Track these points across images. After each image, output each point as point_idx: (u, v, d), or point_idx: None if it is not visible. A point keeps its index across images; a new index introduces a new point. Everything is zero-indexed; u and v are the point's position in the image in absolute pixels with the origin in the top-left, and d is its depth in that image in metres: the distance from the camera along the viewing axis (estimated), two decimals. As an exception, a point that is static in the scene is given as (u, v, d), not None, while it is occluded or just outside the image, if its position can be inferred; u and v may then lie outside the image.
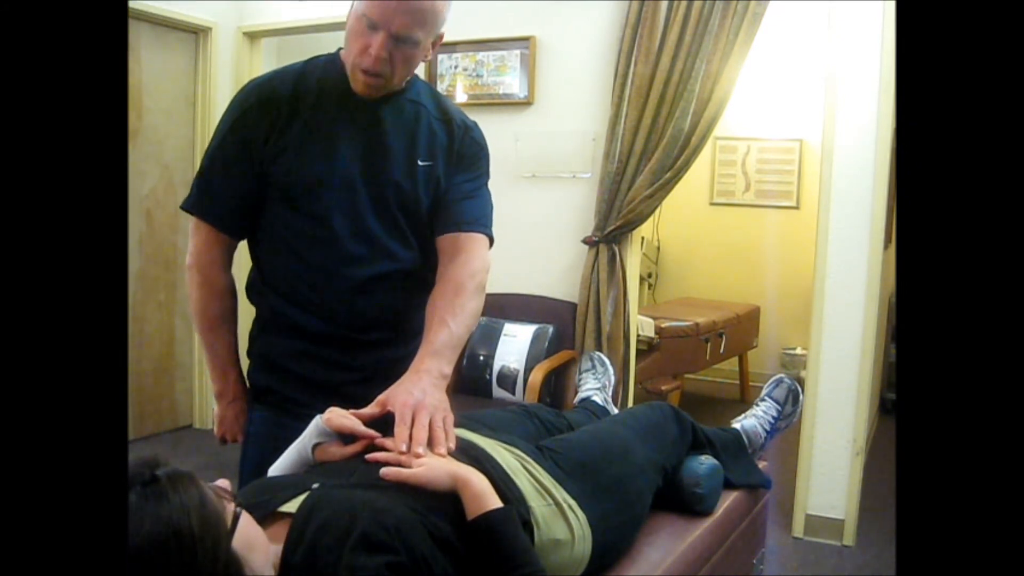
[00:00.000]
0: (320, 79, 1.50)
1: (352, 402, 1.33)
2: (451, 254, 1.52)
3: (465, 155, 1.58)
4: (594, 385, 2.03)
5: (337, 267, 1.50)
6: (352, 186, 1.48)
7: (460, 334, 1.44)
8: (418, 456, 1.18)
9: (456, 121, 1.58)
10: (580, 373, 2.12)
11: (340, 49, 1.53)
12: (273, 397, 1.57)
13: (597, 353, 2.16)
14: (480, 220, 1.57)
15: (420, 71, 3.97)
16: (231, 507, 0.94)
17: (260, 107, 1.47)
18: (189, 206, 1.54)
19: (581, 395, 2.03)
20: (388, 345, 1.57)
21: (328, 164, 1.48)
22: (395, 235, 1.53)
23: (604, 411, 1.95)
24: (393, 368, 1.49)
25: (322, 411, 1.29)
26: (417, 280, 1.57)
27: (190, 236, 1.54)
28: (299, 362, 1.54)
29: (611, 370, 2.09)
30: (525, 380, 3.08)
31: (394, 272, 1.53)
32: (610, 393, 2.05)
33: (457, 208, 1.55)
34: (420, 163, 1.53)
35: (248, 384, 1.63)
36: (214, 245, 1.53)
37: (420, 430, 1.22)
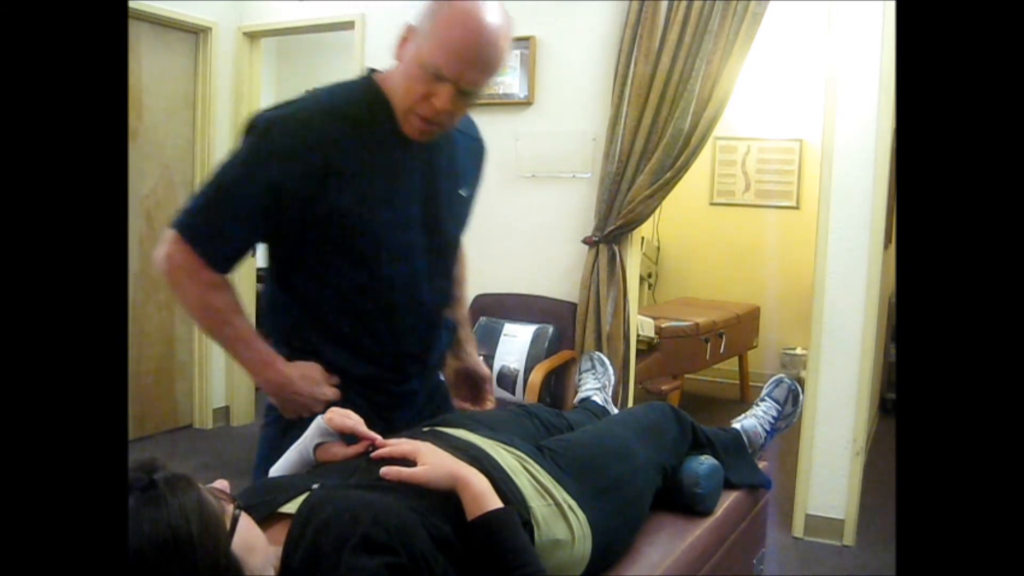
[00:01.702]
0: (366, 120, 1.40)
1: (374, 423, 1.37)
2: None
3: (482, 165, 1.65)
4: (594, 385, 2.03)
5: (393, 313, 1.48)
6: (409, 231, 1.46)
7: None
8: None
9: (476, 137, 1.63)
10: (580, 373, 2.12)
11: (372, 71, 1.46)
12: None
13: (597, 353, 2.15)
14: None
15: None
16: (230, 509, 0.93)
17: (297, 154, 1.34)
18: (183, 231, 1.36)
19: (581, 395, 2.03)
20: (415, 377, 1.59)
21: (388, 213, 1.42)
22: (442, 271, 1.56)
23: (604, 411, 1.95)
24: (413, 396, 1.59)
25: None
26: (448, 306, 1.64)
27: (168, 245, 1.36)
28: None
29: (611, 370, 2.09)
30: (525, 380, 3.08)
31: (439, 306, 1.59)
32: (610, 393, 2.05)
33: (468, 217, 1.65)
34: (460, 193, 1.56)
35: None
36: (199, 263, 1.37)
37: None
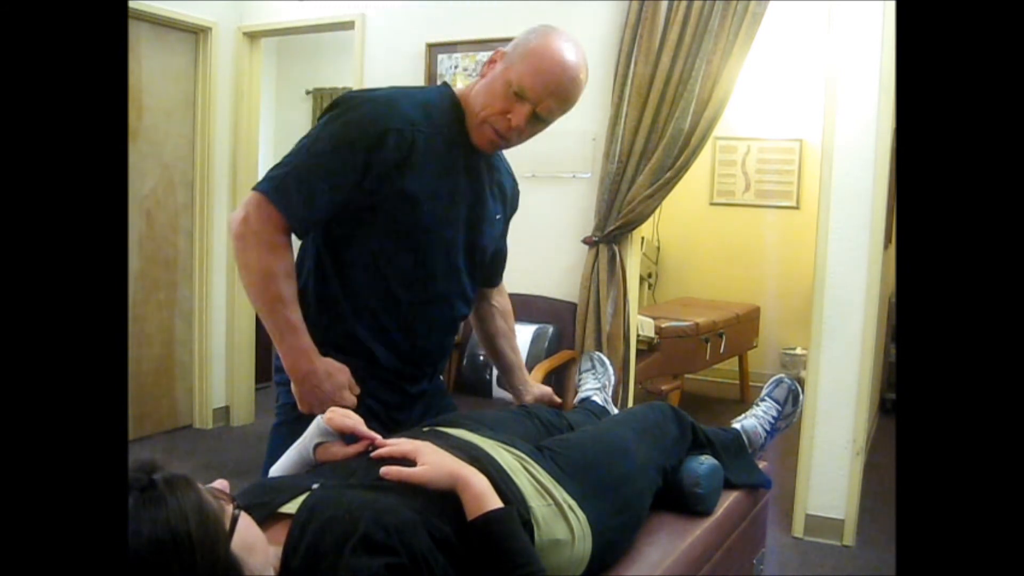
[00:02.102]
0: (448, 122, 1.51)
1: (383, 426, 1.41)
2: (497, 292, 1.85)
3: (514, 207, 1.77)
4: (594, 385, 2.03)
5: (427, 307, 1.56)
6: (458, 233, 1.55)
7: None
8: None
9: (513, 175, 1.75)
10: (580, 373, 2.11)
11: (446, 84, 1.59)
12: None
13: (597, 353, 2.15)
14: (504, 270, 1.85)
15: (419, 75, 3.94)
16: (229, 509, 0.93)
17: (398, 135, 1.43)
18: (271, 192, 1.40)
19: (581, 395, 2.03)
20: (426, 378, 1.65)
21: (448, 211, 1.52)
22: (472, 281, 1.65)
23: (604, 411, 1.95)
24: (421, 398, 1.65)
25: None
26: (467, 316, 1.74)
27: (246, 208, 1.41)
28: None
29: (611, 370, 2.09)
30: (525, 380, 3.08)
31: (464, 315, 1.69)
32: (610, 393, 2.04)
33: (502, 261, 1.80)
34: (497, 216, 1.66)
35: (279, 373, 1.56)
36: (277, 230, 1.42)
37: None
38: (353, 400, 1.47)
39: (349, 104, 1.46)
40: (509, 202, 1.73)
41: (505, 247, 1.81)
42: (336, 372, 1.47)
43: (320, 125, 1.46)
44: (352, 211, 1.47)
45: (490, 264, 1.74)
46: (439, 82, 3.53)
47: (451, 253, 1.55)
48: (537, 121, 1.49)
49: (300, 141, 1.47)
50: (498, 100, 1.46)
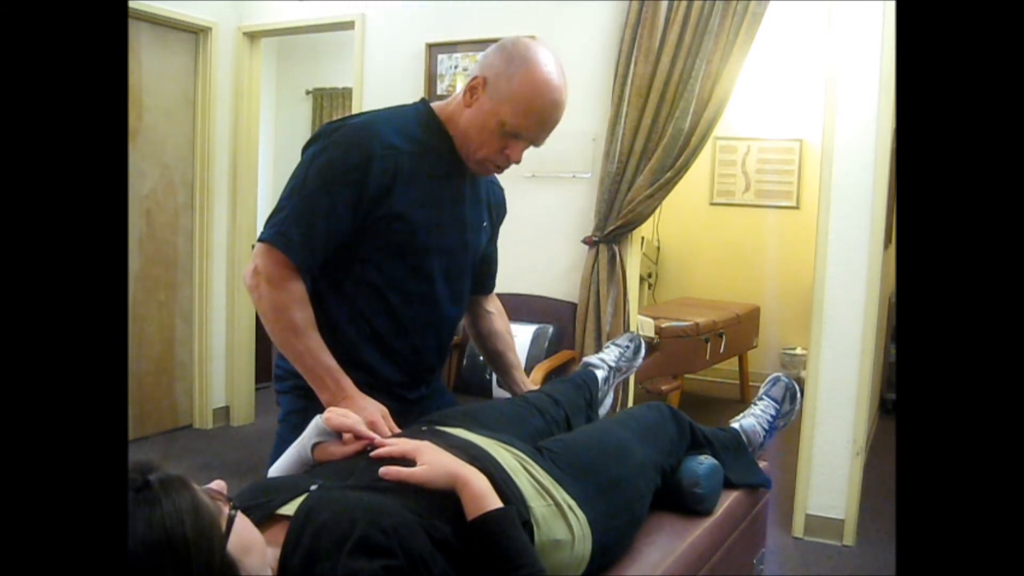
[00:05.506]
0: (433, 144, 1.54)
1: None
2: (490, 299, 1.89)
3: (500, 213, 1.80)
4: (610, 357, 1.96)
5: (427, 319, 1.60)
6: (453, 250, 1.60)
7: None
8: None
9: (498, 183, 1.79)
10: (609, 344, 2.04)
11: (423, 100, 1.60)
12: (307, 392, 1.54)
13: (642, 340, 2.06)
14: (496, 278, 1.89)
15: (419, 75, 3.94)
16: (226, 510, 0.93)
17: (383, 160, 1.46)
18: (275, 239, 1.44)
19: (591, 358, 1.96)
20: (425, 384, 1.69)
21: (436, 218, 1.55)
22: (464, 284, 1.69)
23: (595, 382, 1.87)
24: (420, 403, 1.67)
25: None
26: (461, 319, 1.78)
27: (254, 260, 1.46)
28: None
29: (637, 363, 2.02)
30: (525, 380, 3.08)
31: (458, 318, 1.73)
32: (615, 380, 1.96)
33: (491, 268, 1.84)
34: (484, 224, 1.70)
35: (280, 373, 1.60)
36: (285, 271, 1.45)
37: None
38: (387, 431, 1.42)
39: (329, 138, 1.48)
40: (495, 209, 1.76)
41: (494, 254, 1.83)
42: (373, 410, 1.44)
43: (306, 162, 1.48)
44: (351, 236, 1.49)
45: (480, 271, 1.77)
46: (439, 82, 3.54)
47: (443, 259, 1.58)
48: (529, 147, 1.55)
49: (290, 181, 1.49)
50: (494, 139, 1.50)
